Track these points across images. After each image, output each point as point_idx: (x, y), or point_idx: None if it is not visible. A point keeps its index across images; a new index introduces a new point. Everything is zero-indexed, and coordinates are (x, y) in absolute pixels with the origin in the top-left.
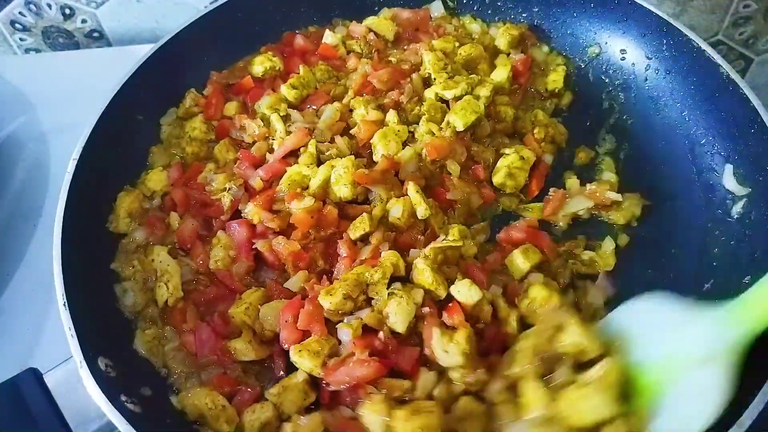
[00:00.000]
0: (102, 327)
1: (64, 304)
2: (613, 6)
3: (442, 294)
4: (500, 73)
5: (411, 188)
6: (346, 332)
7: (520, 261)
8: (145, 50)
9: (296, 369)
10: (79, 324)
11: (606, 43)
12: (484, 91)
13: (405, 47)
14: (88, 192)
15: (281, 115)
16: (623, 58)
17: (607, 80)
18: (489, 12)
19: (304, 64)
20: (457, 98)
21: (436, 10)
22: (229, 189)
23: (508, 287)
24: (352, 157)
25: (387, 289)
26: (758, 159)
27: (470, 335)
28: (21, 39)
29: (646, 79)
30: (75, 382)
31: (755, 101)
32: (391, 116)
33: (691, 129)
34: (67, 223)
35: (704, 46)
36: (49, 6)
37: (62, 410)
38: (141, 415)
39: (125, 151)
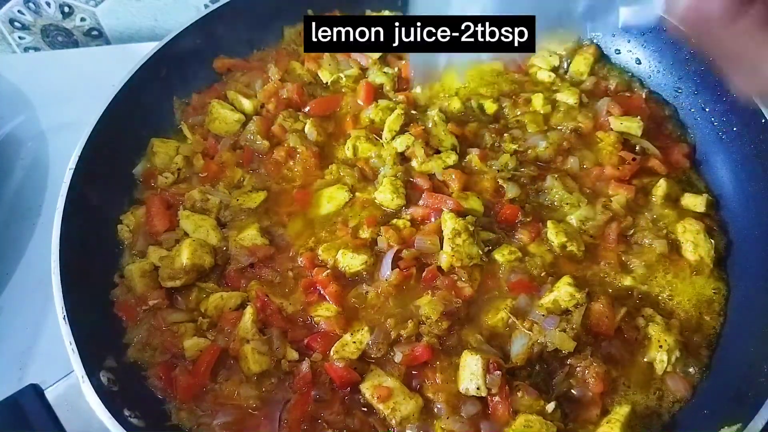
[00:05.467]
0: (102, 338)
1: (64, 318)
2: None
3: None
4: None
5: None
6: None
7: None
8: (144, 48)
9: None
10: (79, 337)
11: (606, 42)
12: None
13: None
14: (88, 191)
15: None
16: (622, 57)
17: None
18: None
19: None
20: None
21: None
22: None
23: None
24: None
25: None
26: (759, 155)
27: None
28: (20, 37)
29: (650, 77)
30: (76, 397)
31: (757, 98)
32: None
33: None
34: (66, 225)
35: None
36: (48, 4)
37: (64, 425)
38: (144, 430)
39: (126, 149)
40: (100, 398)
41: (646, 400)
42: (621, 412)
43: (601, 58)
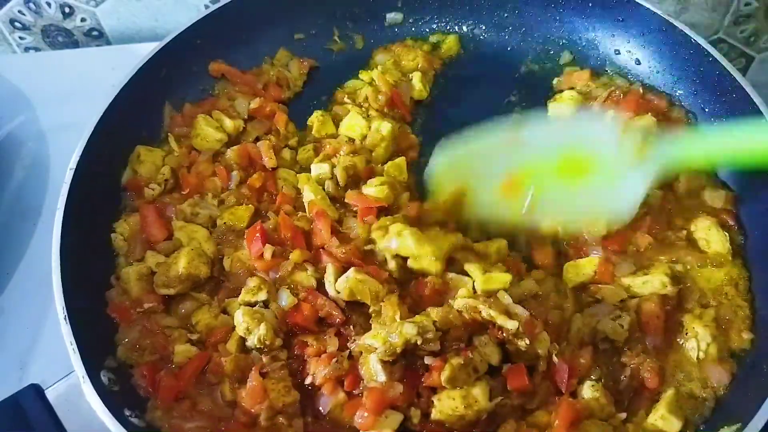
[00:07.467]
0: (103, 338)
1: (65, 318)
2: (612, 5)
3: None
4: None
5: None
6: None
7: None
8: (144, 48)
9: None
10: (80, 337)
11: (606, 42)
12: None
13: None
14: (88, 191)
15: None
16: (622, 58)
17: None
18: (483, 14)
19: None
20: None
21: None
22: None
23: None
24: None
25: None
26: None
27: None
28: (20, 37)
29: (649, 77)
30: (77, 397)
31: (757, 99)
32: None
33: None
34: (66, 226)
35: (705, 44)
36: (49, 4)
37: (65, 425)
38: (145, 429)
39: (126, 150)
40: (100, 398)
41: (688, 386)
42: (666, 395)
43: (600, 67)
